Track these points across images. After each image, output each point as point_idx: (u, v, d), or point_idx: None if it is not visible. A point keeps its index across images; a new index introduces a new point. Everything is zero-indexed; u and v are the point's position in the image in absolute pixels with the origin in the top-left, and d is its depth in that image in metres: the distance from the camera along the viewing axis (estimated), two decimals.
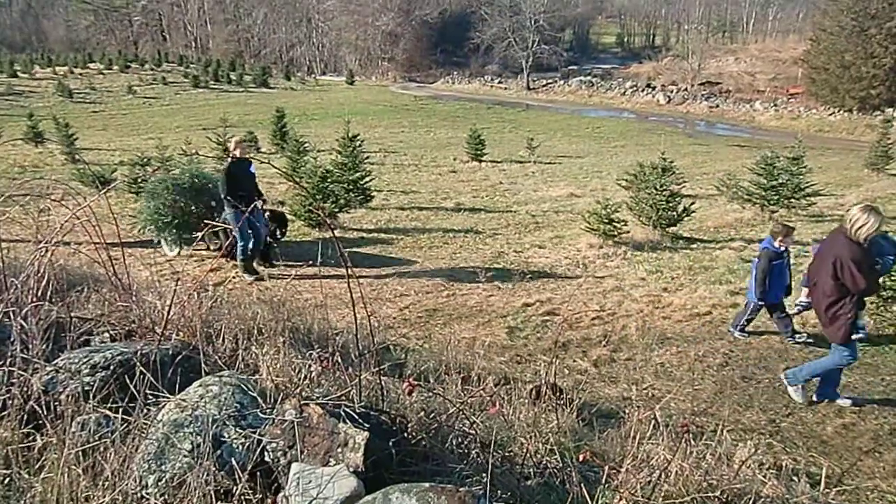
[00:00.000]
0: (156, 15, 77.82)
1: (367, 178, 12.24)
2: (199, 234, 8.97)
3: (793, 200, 12.24)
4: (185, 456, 2.11)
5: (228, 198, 8.14)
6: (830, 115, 35.09)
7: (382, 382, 2.77)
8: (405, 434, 2.52)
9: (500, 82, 50.74)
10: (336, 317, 5.74)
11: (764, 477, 3.13)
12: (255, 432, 2.18)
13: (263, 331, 3.19)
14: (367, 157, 14.01)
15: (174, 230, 9.22)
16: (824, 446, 4.92)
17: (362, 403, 2.51)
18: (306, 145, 14.62)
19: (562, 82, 48.29)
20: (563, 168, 18.09)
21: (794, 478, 3.28)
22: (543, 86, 48.43)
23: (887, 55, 33.32)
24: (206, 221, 8.85)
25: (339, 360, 2.84)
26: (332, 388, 2.69)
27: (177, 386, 2.43)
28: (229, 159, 8.70)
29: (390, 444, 2.31)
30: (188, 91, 44.17)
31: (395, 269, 8.73)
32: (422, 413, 2.74)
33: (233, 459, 2.10)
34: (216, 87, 47.29)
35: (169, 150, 15.99)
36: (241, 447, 2.15)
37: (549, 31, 51.40)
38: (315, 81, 54.37)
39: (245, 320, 3.32)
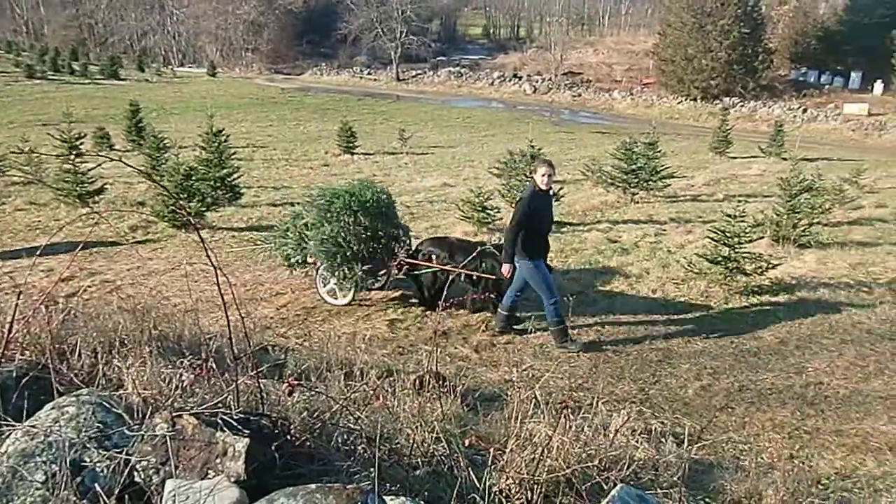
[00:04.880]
0: None
1: (235, 175, 11.75)
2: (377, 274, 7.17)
3: (650, 183, 13.07)
4: (38, 488, 1.92)
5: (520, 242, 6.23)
6: (679, 103, 37.83)
7: (261, 385, 2.68)
8: (288, 436, 2.45)
9: (369, 73, 50.35)
10: (209, 321, 5.47)
11: (636, 442, 3.34)
12: (121, 452, 2.02)
13: (127, 342, 2.98)
14: (235, 153, 13.42)
15: (353, 268, 6.82)
16: (687, 407, 5.31)
17: (240, 409, 2.41)
18: (166, 141, 13.79)
19: (431, 73, 48.67)
20: (436, 158, 18.27)
21: (662, 439, 3.52)
22: (413, 76, 48.60)
23: (722, 49, 36.36)
24: (407, 260, 7.14)
25: (214, 366, 2.72)
26: (208, 395, 2.57)
27: (24, 411, 2.20)
28: (531, 187, 6.34)
29: (273, 448, 2.23)
30: (21, 82, 39.83)
31: (268, 268, 8.45)
32: (305, 413, 2.69)
33: (96, 485, 1.94)
34: (56, 77, 43.12)
35: (1, 149, 14.58)
36: (105, 470, 1.99)
37: (416, 22, 51.52)
38: (172, 73, 51.39)
39: (105, 332, 3.08)
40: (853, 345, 6.66)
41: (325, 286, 7.23)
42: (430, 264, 7.03)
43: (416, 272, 7.16)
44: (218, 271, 2.30)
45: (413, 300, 7.39)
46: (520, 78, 45.49)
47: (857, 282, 8.49)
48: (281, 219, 7.77)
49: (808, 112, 34.56)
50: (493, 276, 6.73)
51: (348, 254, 6.70)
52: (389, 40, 49.83)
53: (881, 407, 5.44)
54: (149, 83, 43.37)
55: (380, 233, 6.94)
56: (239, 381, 2.51)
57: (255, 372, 2.67)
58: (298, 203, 12.03)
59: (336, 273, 6.82)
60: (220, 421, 2.13)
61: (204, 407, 2.27)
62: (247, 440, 2.08)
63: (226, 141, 12.35)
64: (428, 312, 7.04)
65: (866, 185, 15.29)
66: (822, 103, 36.02)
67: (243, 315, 2.80)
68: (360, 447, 2.55)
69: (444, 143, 21.45)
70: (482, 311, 6.99)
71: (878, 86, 36.26)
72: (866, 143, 29.99)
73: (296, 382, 2.50)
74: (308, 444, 2.49)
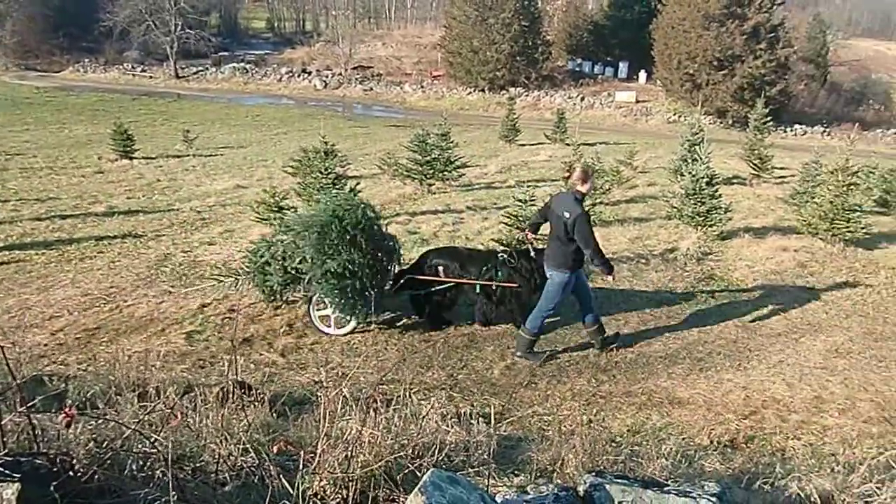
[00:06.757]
0: None
1: None
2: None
3: (446, 173, 13.57)
4: None
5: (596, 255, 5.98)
6: (468, 94, 39.61)
7: (34, 421, 2.39)
8: (71, 473, 2.21)
9: (143, 70, 46.31)
10: None
11: (447, 426, 3.46)
12: None
13: None
14: None
15: (358, 295, 6.11)
16: (494, 388, 5.61)
17: (8, 451, 2.13)
18: None
19: (214, 70, 46.01)
20: (226, 159, 17.40)
21: (472, 421, 3.69)
22: (194, 73, 45.65)
23: (505, 42, 38.67)
24: (418, 277, 6.54)
25: None
26: None
27: None
28: (573, 195, 5.97)
29: (53, 488, 2.01)
30: None
31: (38, 289, 7.52)
32: (91, 444, 2.46)
33: None
34: None
35: None
36: None
37: (192, 15, 48.08)
38: None
39: None
40: (636, 312, 7.47)
41: (318, 313, 6.53)
42: (440, 278, 6.60)
43: (417, 288, 6.67)
44: None
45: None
46: (309, 73, 44.73)
47: (636, 254, 9.51)
48: (251, 250, 6.80)
49: (585, 100, 38.11)
50: (514, 286, 6.51)
51: (357, 285, 6.04)
52: (164, 34, 46.10)
53: (661, 366, 6.18)
54: None
55: (379, 253, 6.40)
56: (5, 421, 2.22)
57: (24, 407, 2.37)
58: (68, 216, 10.84)
59: (343, 307, 6.16)
60: None
61: None
62: (17, 485, 1.84)
63: None
64: (226, 321, 6.70)
65: (639, 166, 17.24)
66: (597, 92, 39.78)
67: (6, 345, 2.47)
68: (158, 471, 2.39)
69: (233, 144, 20.49)
70: (490, 324, 6.82)
71: (643, 75, 40.83)
72: (636, 127, 33.80)
73: (74, 412, 2.25)
74: (97, 477, 2.28)
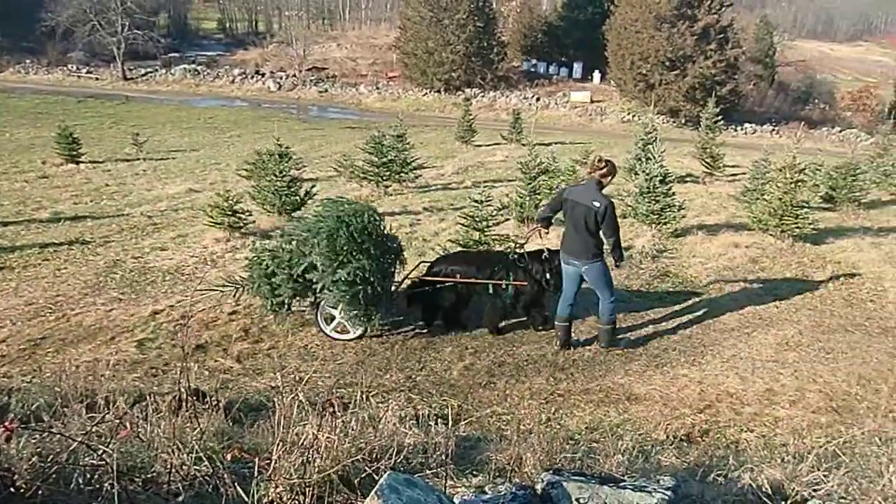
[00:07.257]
0: None
1: None
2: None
3: (402, 175, 13.53)
4: None
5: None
6: (424, 95, 39.53)
7: None
8: (13, 489, 2.14)
9: (89, 72, 44.83)
10: None
11: (406, 428, 3.43)
12: None
13: None
14: None
15: (370, 301, 6.06)
16: (452, 389, 5.59)
17: None
18: None
19: (164, 71, 44.89)
20: (178, 163, 17.02)
21: (431, 422, 3.67)
22: (143, 75, 44.49)
23: (460, 42, 38.73)
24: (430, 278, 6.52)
25: None
26: None
27: None
28: (598, 187, 6.12)
29: None
30: None
31: None
32: (35, 458, 2.38)
33: None
34: None
35: None
36: None
37: (140, 15, 46.77)
38: None
39: None
40: (592, 309, 7.52)
41: (329, 322, 6.44)
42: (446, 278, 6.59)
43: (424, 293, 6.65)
44: None
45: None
46: (263, 75, 44.07)
47: None
48: (252, 260, 6.59)
49: (541, 100, 38.41)
50: (525, 284, 6.54)
51: (369, 291, 5.97)
52: (110, 34, 44.68)
53: (618, 363, 6.24)
54: None
55: (385, 255, 6.31)
56: None
57: None
58: (10, 223, 10.44)
59: (356, 315, 6.09)
60: None
61: None
62: None
63: None
64: (179, 328, 6.54)
65: None
66: (552, 92, 40.14)
67: None
68: (107, 484, 2.32)
69: (185, 147, 20.06)
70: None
71: (597, 76, 41.40)
72: (591, 126, 34.23)
73: (15, 425, 2.17)
74: (41, 492, 2.20)
